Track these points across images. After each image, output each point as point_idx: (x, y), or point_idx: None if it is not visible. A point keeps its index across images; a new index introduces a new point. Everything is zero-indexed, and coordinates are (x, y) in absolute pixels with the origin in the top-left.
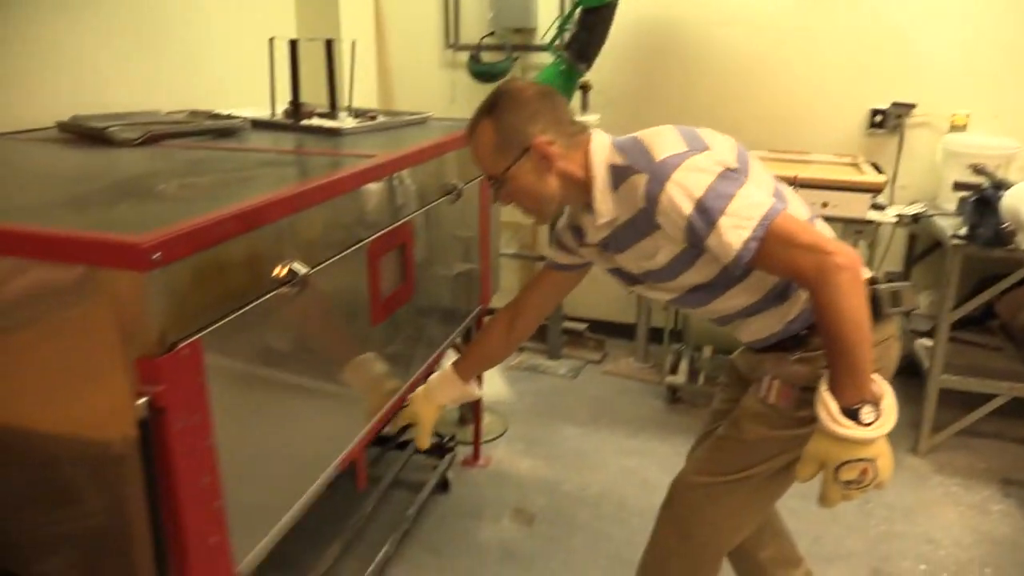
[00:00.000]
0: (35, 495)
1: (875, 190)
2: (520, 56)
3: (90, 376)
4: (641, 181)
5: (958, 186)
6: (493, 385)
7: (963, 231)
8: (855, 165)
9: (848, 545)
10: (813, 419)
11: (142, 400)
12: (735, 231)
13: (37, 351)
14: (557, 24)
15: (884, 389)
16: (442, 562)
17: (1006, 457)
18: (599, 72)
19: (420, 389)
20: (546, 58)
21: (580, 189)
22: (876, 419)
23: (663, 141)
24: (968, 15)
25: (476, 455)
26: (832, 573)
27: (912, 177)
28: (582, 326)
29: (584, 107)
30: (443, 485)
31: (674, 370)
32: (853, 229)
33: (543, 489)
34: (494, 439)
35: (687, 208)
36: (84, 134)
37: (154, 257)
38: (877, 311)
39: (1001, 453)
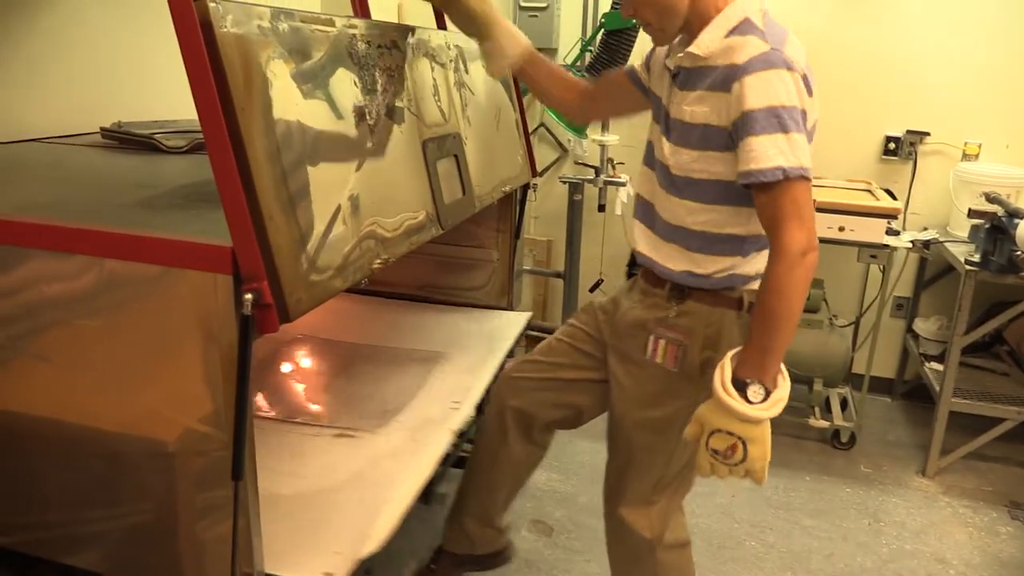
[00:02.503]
0: (86, 488)
1: (891, 216)
2: None
3: (166, 375)
4: (758, 47)
5: (973, 213)
6: None
7: (976, 257)
8: (868, 191)
9: (860, 562)
10: (691, 383)
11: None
12: (777, 152)
13: (116, 349)
14: (580, 45)
15: (783, 383)
16: (465, 572)
17: (1012, 480)
18: None
19: None
20: None
21: (699, 22)
22: (761, 401)
23: (796, 48)
24: (981, 47)
25: None
26: None
27: (923, 204)
28: None
29: (604, 128)
30: None
31: None
32: (868, 253)
33: (560, 502)
34: None
35: (764, 102)
36: (129, 140)
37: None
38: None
39: (1007, 476)
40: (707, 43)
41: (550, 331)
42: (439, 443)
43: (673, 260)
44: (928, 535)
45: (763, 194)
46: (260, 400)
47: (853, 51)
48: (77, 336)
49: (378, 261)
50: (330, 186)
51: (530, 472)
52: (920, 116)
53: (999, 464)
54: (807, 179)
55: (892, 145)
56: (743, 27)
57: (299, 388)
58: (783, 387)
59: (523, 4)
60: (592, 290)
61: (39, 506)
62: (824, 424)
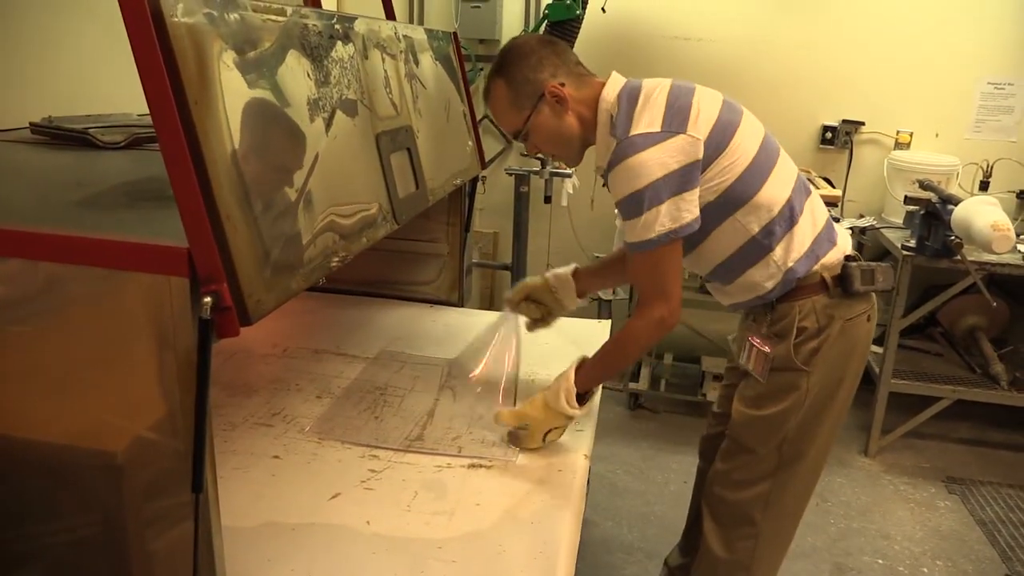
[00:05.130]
0: (24, 504)
1: (831, 203)
2: (485, 67)
3: (119, 384)
4: (612, 144)
5: (909, 200)
6: None
7: (912, 243)
8: (808, 179)
9: (810, 542)
10: (782, 392)
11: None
12: (644, 229)
13: (61, 357)
14: None
15: (596, 392)
16: None
17: (948, 457)
18: None
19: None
20: None
21: (592, 130)
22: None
23: (647, 113)
24: (911, 41)
25: None
26: (797, 569)
27: (859, 191)
28: None
29: None
30: None
31: (636, 378)
32: None
33: None
34: None
35: (624, 191)
36: (62, 136)
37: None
38: (847, 287)
39: (943, 453)
40: (602, 152)
41: None
42: (579, 470)
43: (742, 293)
44: (873, 513)
45: (633, 258)
46: (372, 431)
47: (791, 46)
48: (21, 346)
49: (336, 259)
50: (286, 182)
51: None
52: (855, 106)
53: (935, 441)
54: (678, 237)
55: (829, 134)
56: (611, 125)
57: (409, 413)
58: (595, 397)
59: None
60: None
61: None
62: None
